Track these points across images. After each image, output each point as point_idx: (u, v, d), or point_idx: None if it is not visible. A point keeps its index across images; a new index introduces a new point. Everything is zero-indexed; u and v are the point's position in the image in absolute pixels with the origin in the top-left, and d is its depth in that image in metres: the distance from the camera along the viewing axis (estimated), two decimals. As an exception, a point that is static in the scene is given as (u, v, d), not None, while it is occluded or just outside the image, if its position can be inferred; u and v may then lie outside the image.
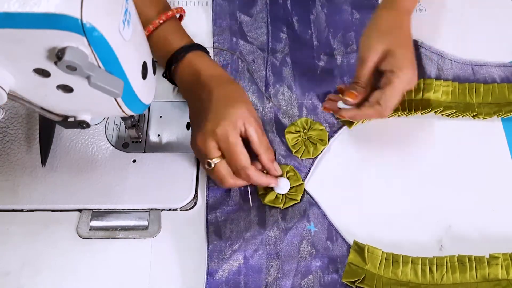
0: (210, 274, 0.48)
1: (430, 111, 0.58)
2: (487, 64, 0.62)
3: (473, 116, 0.58)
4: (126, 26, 0.35)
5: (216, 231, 0.51)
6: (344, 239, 0.51)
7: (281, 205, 0.52)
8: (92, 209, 0.52)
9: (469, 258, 0.50)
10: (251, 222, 0.51)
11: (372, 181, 0.55)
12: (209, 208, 0.52)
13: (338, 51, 0.62)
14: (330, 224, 0.52)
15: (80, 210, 0.52)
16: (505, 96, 0.59)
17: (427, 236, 0.52)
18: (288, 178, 0.53)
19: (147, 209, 0.52)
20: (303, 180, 0.54)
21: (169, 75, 0.55)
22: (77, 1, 0.30)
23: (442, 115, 0.59)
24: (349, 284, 0.49)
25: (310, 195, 0.54)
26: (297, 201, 0.53)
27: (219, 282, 0.48)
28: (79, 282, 0.48)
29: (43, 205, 0.52)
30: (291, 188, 0.53)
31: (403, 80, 0.50)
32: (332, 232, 0.52)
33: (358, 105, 0.53)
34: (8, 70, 0.35)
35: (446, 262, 0.50)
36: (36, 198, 0.52)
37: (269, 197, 0.52)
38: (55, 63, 0.32)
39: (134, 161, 0.54)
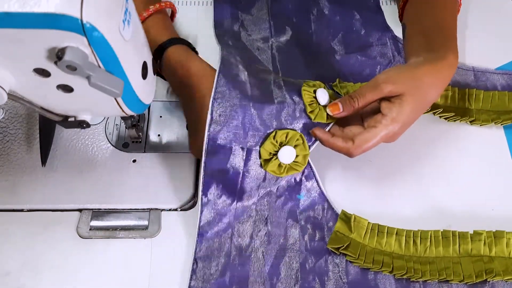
0: (200, 234, 0.49)
1: (429, 111, 0.58)
2: (489, 71, 0.62)
3: (470, 122, 0.58)
4: (126, 26, 0.35)
5: (209, 196, 0.50)
6: (333, 209, 0.52)
7: (282, 175, 0.50)
8: (92, 209, 0.52)
9: (453, 233, 0.50)
10: (243, 189, 0.50)
11: (372, 180, 0.55)
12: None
13: (338, 52, 0.62)
14: (322, 194, 0.52)
15: (80, 210, 0.52)
16: (505, 104, 0.59)
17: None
18: (295, 147, 0.49)
19: (147, 209, 0.52)
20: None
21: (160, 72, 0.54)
22: (77, 1, 0.30)
23: (440, 117, 0.58)
24: (333, 250, 0.49)
25: (311, 166, 0.52)
26: (297, 171, 0.51)
27: (209, 242, 0.49)
28: (79, 282, 0.48)
29: (43, 205, 0.52)
30: (296, 156, 0.50)
31: (388, 131, 0.46)
32: (323, 202, 0.52)
33: (341, 123, 0.51)
34: (8, 70, 0.35)
35: (430, 236, 0.50)
36: (36, 198, 0.52)
37: (272, 166, 0.49)
38: (55, 63, 0.32)
39: (134, 161, 0.54)
